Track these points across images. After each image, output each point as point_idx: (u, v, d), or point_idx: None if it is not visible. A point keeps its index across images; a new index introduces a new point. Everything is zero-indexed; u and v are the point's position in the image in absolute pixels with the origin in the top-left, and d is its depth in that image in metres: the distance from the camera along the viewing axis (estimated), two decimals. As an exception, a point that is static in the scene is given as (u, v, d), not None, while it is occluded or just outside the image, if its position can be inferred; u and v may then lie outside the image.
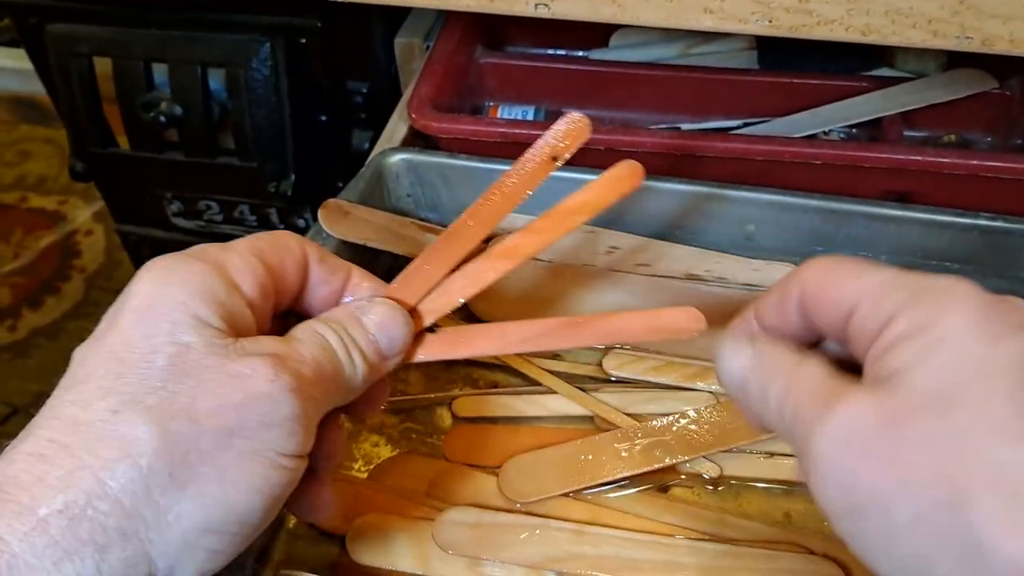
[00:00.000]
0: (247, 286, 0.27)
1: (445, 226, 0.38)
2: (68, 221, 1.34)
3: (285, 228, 0.76)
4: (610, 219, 0.49)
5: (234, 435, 0.24)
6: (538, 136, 0.34)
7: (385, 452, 0.42)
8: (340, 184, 0.48)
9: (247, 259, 0.27)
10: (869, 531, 0.22)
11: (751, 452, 0.40)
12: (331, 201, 0.45)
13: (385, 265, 0.44)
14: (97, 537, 0.22)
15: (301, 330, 0.28)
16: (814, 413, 0.24)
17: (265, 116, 0.65)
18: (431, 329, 0.32)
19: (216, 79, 0.66)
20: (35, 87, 0.78)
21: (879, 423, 0.22)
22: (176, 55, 0.65)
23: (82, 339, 0.26)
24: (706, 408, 0.41)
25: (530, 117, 0.62)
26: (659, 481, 0.40)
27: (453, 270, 0.32)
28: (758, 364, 0.27)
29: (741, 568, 0.36)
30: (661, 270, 0.48)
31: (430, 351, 0.32)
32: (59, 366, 0.25)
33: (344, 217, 0.45)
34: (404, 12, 0.65)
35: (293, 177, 0.68)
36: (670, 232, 0.49)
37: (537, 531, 0.37)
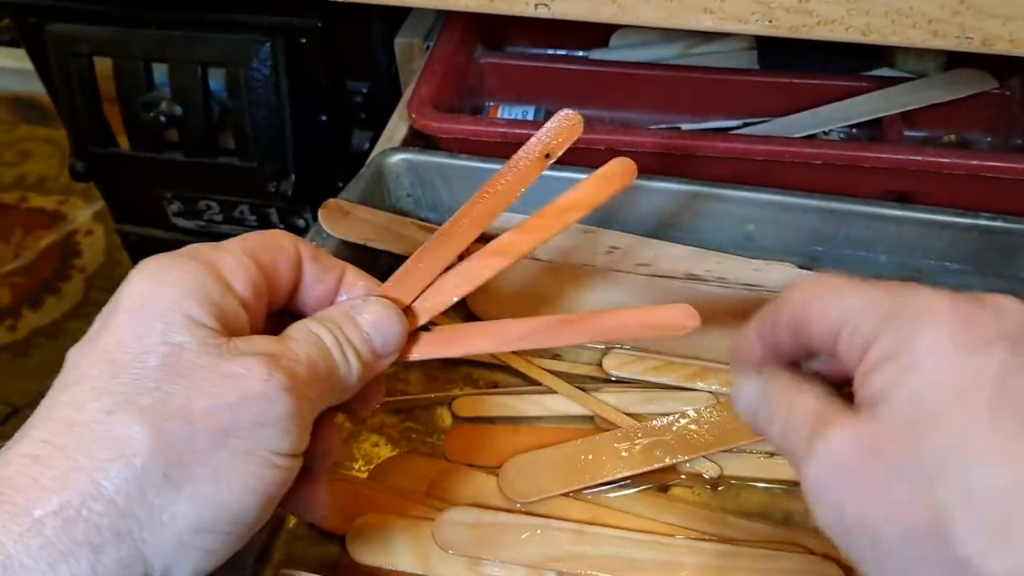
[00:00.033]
0: (240, 285, 0.27)
1: (445, 226, 0.38)
2: (68, 221, 1.34)
3: (285, 228, 0.76)
4: (610, 219, 0.49)
5: (228, 435, 0.24)
6: (538, 136, 0.34)
7: (385, 452, 0.42)
8: (340, 184, 0.48)
9: (240, 258, 0.27)
10: (865, 556, 0.23)
11: (751, 452, 0.40)
12: (331, 201, 0.45)
13: (385, 265, 0.44)
14: (92, 538, 0.22)
15: (295, 329, 0.28)
16: (805, 442, 0.24)
17: (265, 116, 0.65)
18: (426, 327, 0.32)
19: (216, 79, 0.66)
20: (35, 87, 0.78)
21: (861, 451, 0.23)
22: (176, 55, 0.65)
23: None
24: (706, 408, 0.41)
25: (530, 117, 0.62)
26: (659, 481, 0.40)
27: (447, 268, 0.33)
28: (762, 395, 0.28)
29: (741, 568, 0.36)
30: (661, 270, 0.48)
31: (425, 350, 0.32)
32: (59, 366, 0.26)
33: (344, 217, 0.45)
34: (404, 12, 0.65)
35: (293, 177, 0.68)
36: (670, 232, 0.49)
37: (537, 531, 0.37)
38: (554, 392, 0.43)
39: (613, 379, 0.44)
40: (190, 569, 0.24)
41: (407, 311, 0.32)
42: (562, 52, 0.65)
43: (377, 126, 0.63)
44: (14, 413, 1.01)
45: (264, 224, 0.76)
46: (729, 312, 0.46)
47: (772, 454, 0.40)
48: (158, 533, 0.23)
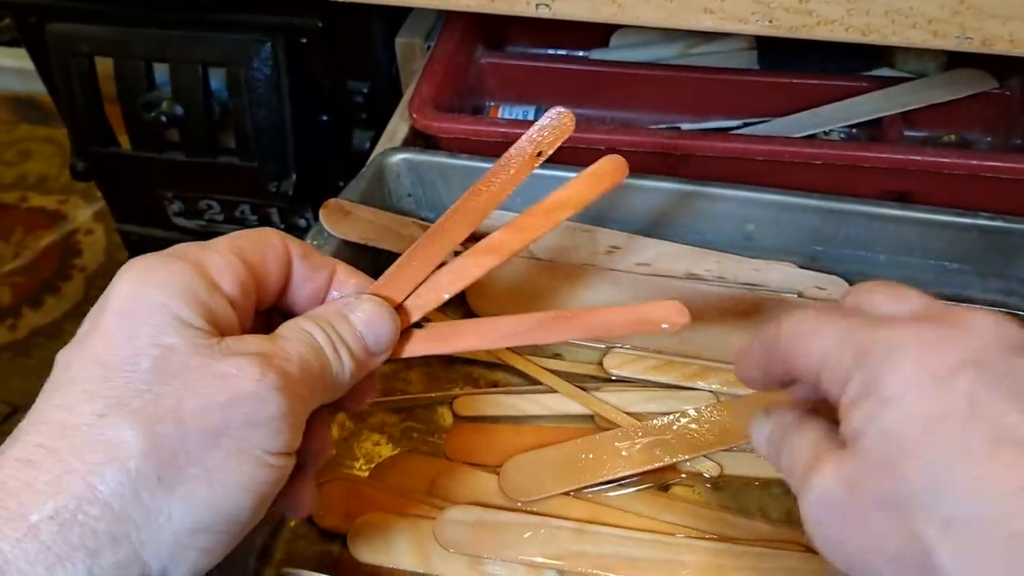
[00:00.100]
0: (228, 285, 0.27)
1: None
2: (68, 220, 1.34)
3: (286, 228, 0.76)
4: (610, 218, 0.49)
5: (221, 435, 0.24)
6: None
7: (386, 451, 0.42)
8: (341, 184, 0.48)
9: (227, 257, 0.27)
10: None
11: (752, 451, 0.40)
12: (332, 201, 0.45)
13: (386, 265, 0.43)
14: (88, 542, 0.22)
15: (287, 328, 0.28)
16: (801, 481, 0.26)
17: (266, 116, 0.65)
18: (418, 325, 0.32)
19: (217, 79, 0.66)
20: (36, 87, 0.79)
21: (845, 487, 0.24)
22: (177, 55, 0.65)
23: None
24: (706, 407, 0.41)
25: (531, 117, 0.62)
26: (660, 480, 0.40)
27: (439, 266, 0.33)
28: (771, 435, 0.29)
29: (741, 567, 0.36)
30: (661, 269, 0.48)
31: (417, 347, 0.32)
32: (59, 366, 0.25)
33: (345, 217, 0.45)
34: (405, 12, 0.65)
35: (294, 177, 0.68)
36: (670, 232, 0.49)
37: (538, 530, 0.37)
38: (555, 391, 0.43)
39: (613, 378, 0.44)
40: (187, 569, 0.24)
41: (399, 309, 0.32)
42: (562, 52, 0.65)
43: (378, 126, 0.64)
44: (14, 412, 1.01)
45: (264, 224, 0.76)
46: (729, 312, 0.46)
47: (772, 453, 0.40)
48: (154, 535, 0.23)
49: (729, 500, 0.39)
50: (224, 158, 0.69)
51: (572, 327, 0.32)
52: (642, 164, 0.48)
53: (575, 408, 0.43)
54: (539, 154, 0.33)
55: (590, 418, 0.43)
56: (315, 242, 0.44)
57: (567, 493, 0.39)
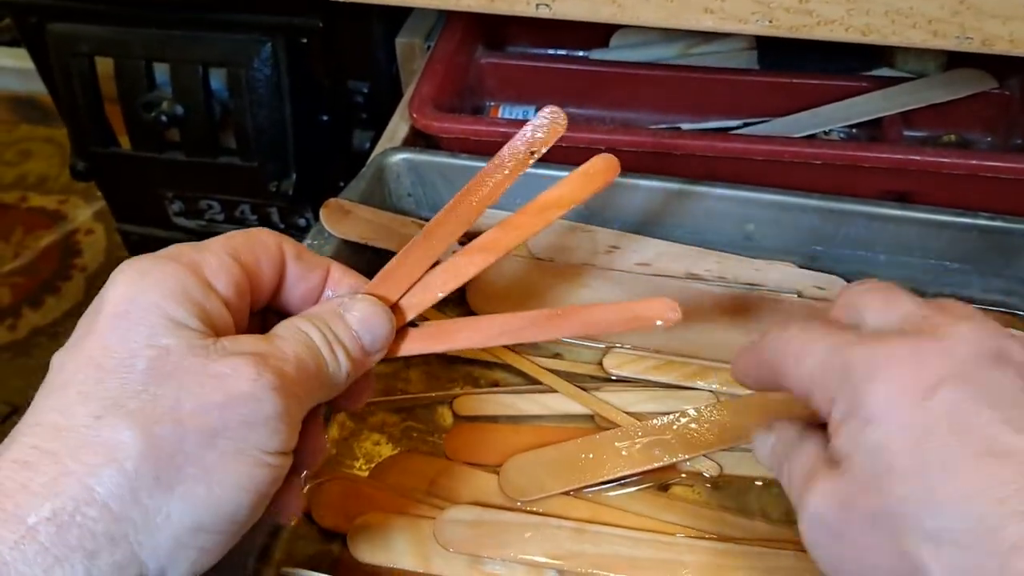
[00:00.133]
0: (222, 285, 0.27)
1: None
2: (69, 220, 1.34)
3: (286, 227, 0.76)
4: (610, 218, 0.49)
5: (218, 435, 0.24)
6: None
7: (386, 451, 0.42)
8: (341, 184, 0.49)
9: (222, 258, 0.27)
10: None
11: (751, 451, 0.40)
12: (332, 200, 0.45)
13: (385, 264, 0.44)
14: (86, 543, 0.22)
15: (283, 328, 0.28)
16: (799, 499, 0.26)
17: (266, 116, 0.66)
18: (413, 323, 0.32)
19: (217, 79, 0.66)
20: (36, 86, 0.79)
21: (836, 506, 0.25)
22: (177, 55, 0.65)
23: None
24: (706, 407, 0.41)
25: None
26: (659, 480, 0.40)
27: (433, 265, 0.33)
28: (773, 450, 0.30)
29: (741, 567, 0.36)
30: (661, 269, 0.48)
31: (412, 346, 0.32)
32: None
33: (345, 216, 0.45)
34: (405, 12, 0.65)
35: (294, 177, 0.69)
36: (670, 231, 0.49)
37: (538, 529, 0.37)
38: (555, 391, 0.43)
39: (613, 378, 0.44)
40: (185, 569, 0.24)
41: (394, 308, 0.32)
42: (562, 52, 0.65)
43: (378, 126, 0.64)
44: (14, 412, 1.02)
45: (265, 224, 0.76)
46: (729, 312, 0.46)
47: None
48: (152, 535, 0.23)
49: (729, 500, 0.39)
50: (224, 158, 0.69)
51: (565, 324, 0.32)
52: (642, 164, 0.48)
53: (575, 408, 0.43)
54: (532, 153, 0.33)
55: (590, 418, 0.43)
56: (315, 242, 0.44)
57: (567, 493, 0.39)
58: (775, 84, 0.59)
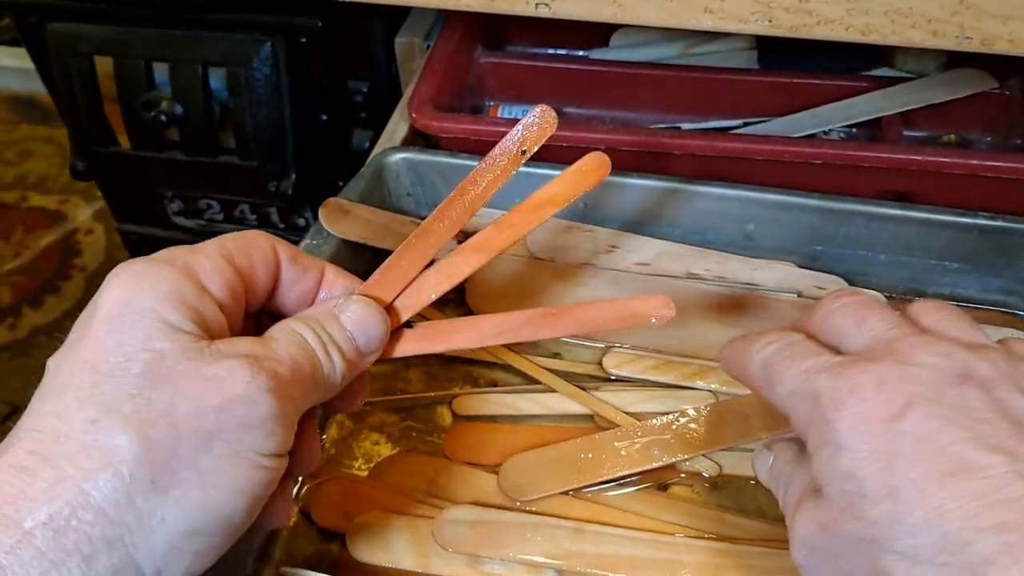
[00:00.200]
0: (216, 288, 0.27)
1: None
2: (69, 220, 1.34)
3: (285, 227, 0.76)
4: (609, 218, 0.49)
5: (213, 438, 0.24)
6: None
7: (385, 450, 0.42)
8: (340, 183, 0.49)
9: (216, 261, 0.27)
10: None
11: (751, 451, 0.40)
12: (332, 200, 0.45)
13: (385, 264, 0.44)
14: (83, 547, 0.22)
15: (278, 329, 0.28)
16: (790, 521, 0.27)
17: (266, 115, 0.66)
18: (408, 324, 0.32)
19: (217, 78, 0.66)
20: (36, 86, 0.78)
21: (818, 530, 0.26)
22: (177, 54, 0.65)
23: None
24: (705, 407, 0.41)
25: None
26: (659, 479, 0.40)
27: (428, 266, 0.33)
28: (771, 470, 0.31)
29: (740, 566, 0.36)
30: (661, 269, 0.48)
31: (407, 346, 0.32)
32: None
33: (344, 216, 0.45)
34: (404, 12, 0.65)
35: (294, 176, 0.68)
36: (670, 231, 0.49)
37: (537, 529, 0.37)
38: (554, 391, 0.43)
39: (613, 378, 0.44)
40: (180, 572, 0.24)
41: (389, 309, 0.32)
42: (562, 52, 0.65)
43: (377, 125, 0.63)
44: (14, 412, 1.01)
45: (264, 223, 0.76)
46: (729, 311, 0.46)
47: (771, 453, 0.40)
48: (148, 538, 0.23)
49: (728, 499, 0.39)
50: (224, 158, 0.69)
51: (561, 323, 0.32)
52: (642, 164, 0.48)
53: (574, 408, 0.43)
54: (524, 152, 0.33)
55: (589, 418, 0.43)
56: (314, 241, 0.44)
57: (566, 492, 0.39)
58: (775, 84, 0.59)
